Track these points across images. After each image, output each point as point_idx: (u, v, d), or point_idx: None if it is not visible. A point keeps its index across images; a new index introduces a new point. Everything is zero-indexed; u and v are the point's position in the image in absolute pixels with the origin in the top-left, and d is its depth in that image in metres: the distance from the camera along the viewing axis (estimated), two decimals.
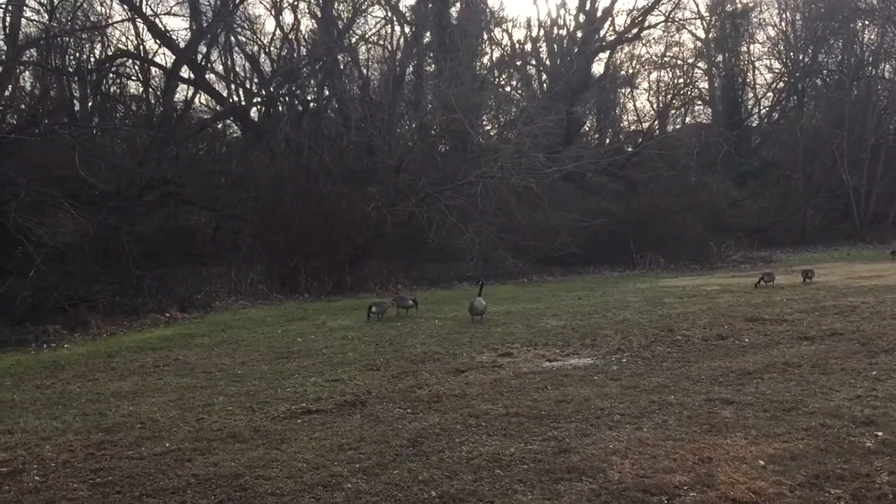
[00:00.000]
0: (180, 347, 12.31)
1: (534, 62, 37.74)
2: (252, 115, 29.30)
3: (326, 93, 28.92)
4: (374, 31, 31.62)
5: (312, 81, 28.88)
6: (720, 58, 42.93)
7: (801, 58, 42.34)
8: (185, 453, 6.49)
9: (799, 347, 10.03)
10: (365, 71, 31.21)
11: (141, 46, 27.91)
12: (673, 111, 42.59)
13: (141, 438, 7.02)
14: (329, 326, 14.15)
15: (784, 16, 43.79)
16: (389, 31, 31.09)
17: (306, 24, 31.33)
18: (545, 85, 35.85)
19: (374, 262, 23.04)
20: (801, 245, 32.97)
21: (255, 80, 29.94)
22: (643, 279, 22.30)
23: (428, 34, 30.57)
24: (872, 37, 41.79)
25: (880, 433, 6.19)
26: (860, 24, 41.25)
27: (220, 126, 29.91)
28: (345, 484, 5.60)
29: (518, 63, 36.70)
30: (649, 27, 36.82)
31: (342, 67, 29.12)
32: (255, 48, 29.55)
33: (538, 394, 8.05)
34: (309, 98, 28.98)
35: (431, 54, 30.66)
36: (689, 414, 7.01)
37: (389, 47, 31.10)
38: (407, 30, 30.94)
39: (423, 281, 22.77)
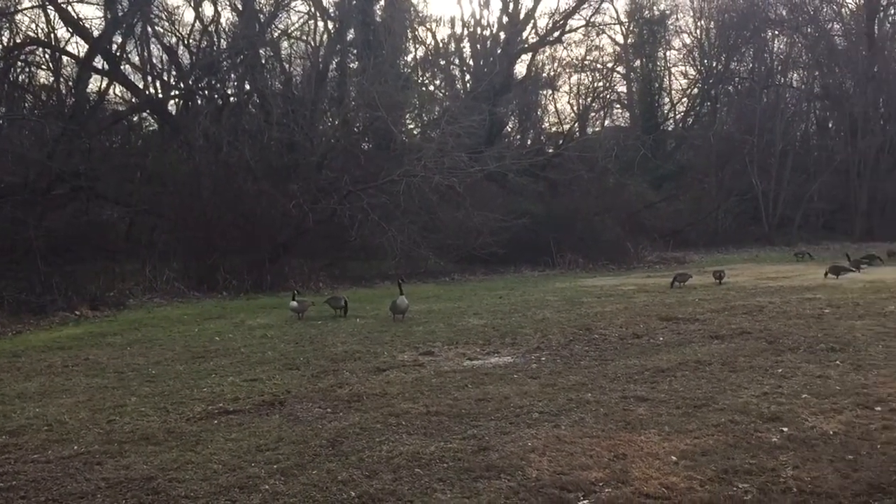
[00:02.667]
0: (91, 347, 11.90)
1: (457, 62, 37.95)
2: (170, 108, 28.52)
3: (247, 87, 28.34)
4: (296, 26, 31.21)
5: (233, 75, 28.29)
6: (638, 63, 44.02)
7: (714, 65, 43.77)
8: (95, 456, 6.28)
9: (710, 346, 10.35)
10: (287, 66, 30.74)
11: (52, 34, 26.82)
12: (593, 114, 43.39)
13: (48, 441, 6.75)
14: (248, 325, 13.91)
15: (699, 24, 45.25)
16: (312, 26, 30.76)
17: (227, 16, 30.78)
18: (468, 85, 36.05)
19: (295, 260, 22.76)
20: (714, 246, 34.12)
21: (173, 73, 29.14)
22: (563, 279, 22.67)
23: (352, 31, 30.35)
24: (781, 46, 43.59)
25: (785, 429, 6.44)
26: (770, 33, 42.97)
27: (135, 119, 29.03)
28: (262, 485, 5.51)
29: (442, 62, 36.83)
30: (570, 31, 37.39)
31: (264, 62, 28.61)
32: (174, 40, 28.74)
33: (459, 392, 8.08)
34: (229, 92, 28.40)
35: (355, 51, 30.45)
36: (606, 411, 7.15)
37: (312, 43, 30.76)
38: (330, 26, 30.65)
39: (344, 279, 22.61)
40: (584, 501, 5.11)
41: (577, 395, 7.77)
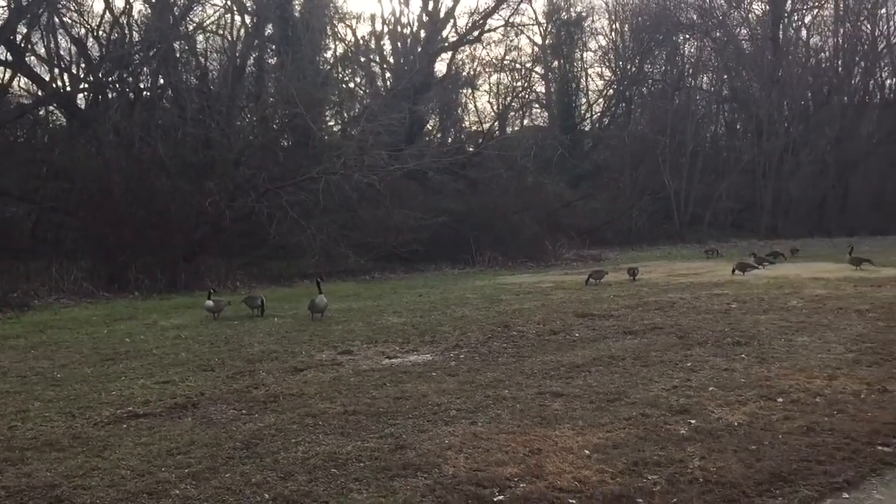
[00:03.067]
0: None
1: (377, 59, 37.82)
2: (78, 101, 27.49)
3: (161, 81, 27.57)
4: (212, 19, 30.47)
5: (145, 69, 27.44)
6: (556, 64, 44.76)
7: (628, 67, 44.89)
8: None
9: (623, 341, 10.60)
10: (203, 61, 30.03)
11: None
12: (512, 113, 43.95)
13: None
14: (161, 326, 13.54)
15: (614, 26, 46.33)
16: (229, 20, 30.09)
17: (139, 8, 29.71)
18: (389, 82, 35.99)
19: (212, 259, 22.29)
20: (628, 244, 34.99)
21: (82, 65, 28.08)
22: (482, 276, 22.86)
23: (270, 26, 29.87)
24: (692, 50, 45.03)
25: (693, 421, 6.65)
26: (681, 37, 44.35)
27: (42, 112, 27.87)
28: (172, 490, 5.37)
29: (362, 59, 36.64)
30: (489, 30, 37.71)
31: (178, 56, 27.90)
32: (82, 31, 27.70)
33: (377, 391, 8.05)
34: (141, 86, 27.55)
35: (273, 47, 29.99)
36: (522, 407, 7.24)
37: (229, 37, 30.11)
38: (247, 20, 30.07)
39: (262, 278, 22.26)
40: (500, 497, 5.16)
41: (494, 392, 7.84)
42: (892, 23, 43.70)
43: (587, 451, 5.92)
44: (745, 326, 11.29)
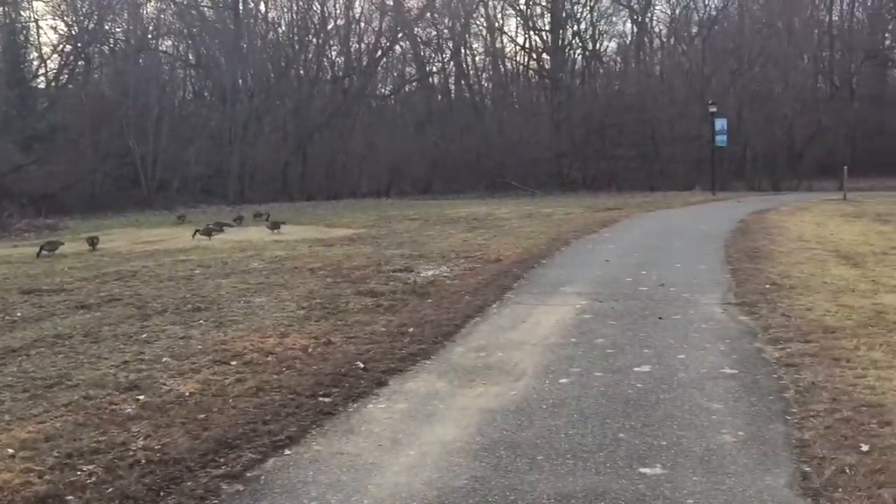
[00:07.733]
0: None
1: None
2: None
3: None
4: None
5: None
6: (0, 10, 39.73)
7: (87, 23, 41.98)
8: None
9: (74, 317, 9.62)
10: None
11: None
12: None
13: None
14: None
15: None
16: None
17: None
18: None
19: None
20: (92, 212, 32.88)
21: None
22: None
23: None
24: (155, 12, 43.87)
25: (142, 397, 6.19)
26: None
27: None
28: None
29: None
30: None
31: None
32: None
33: None
34: None
35: None
36: None
37: None
38: None
39: None
40: None
41: None
42: (338, 4, 47.92)
43: (11, 451, 5.07)
44: (207, 291, 11.16)
